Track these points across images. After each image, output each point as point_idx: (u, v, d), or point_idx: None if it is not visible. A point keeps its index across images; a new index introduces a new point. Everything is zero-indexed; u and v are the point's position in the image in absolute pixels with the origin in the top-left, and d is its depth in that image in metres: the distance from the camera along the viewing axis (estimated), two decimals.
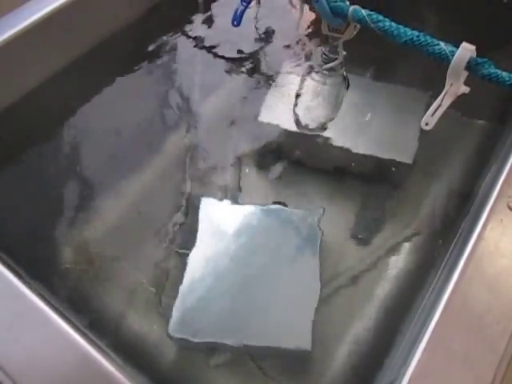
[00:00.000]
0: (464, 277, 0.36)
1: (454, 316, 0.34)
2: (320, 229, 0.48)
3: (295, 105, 0.59)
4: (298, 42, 0.66)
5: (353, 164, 0.54)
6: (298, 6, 0.58)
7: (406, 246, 0.48)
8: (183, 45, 0.66)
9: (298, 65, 0.62)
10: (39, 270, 0.44)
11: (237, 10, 0.61)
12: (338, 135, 0.55)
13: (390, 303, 0.43)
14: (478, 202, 0.44)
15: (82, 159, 0.56)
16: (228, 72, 0.63)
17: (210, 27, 0.68)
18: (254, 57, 0.65)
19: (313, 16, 0.65)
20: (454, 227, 0.44)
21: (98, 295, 0.45)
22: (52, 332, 0.35)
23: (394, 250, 0.48)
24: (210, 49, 0.66)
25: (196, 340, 0.41)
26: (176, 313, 0.42)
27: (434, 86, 0.46)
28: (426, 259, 0.45)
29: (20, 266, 0.41)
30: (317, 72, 0.61)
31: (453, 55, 0.43)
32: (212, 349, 0.43)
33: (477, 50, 0.43)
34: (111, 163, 0.56)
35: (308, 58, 0.63)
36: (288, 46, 0.66)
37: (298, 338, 0.41)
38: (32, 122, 0.57)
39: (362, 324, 0.43)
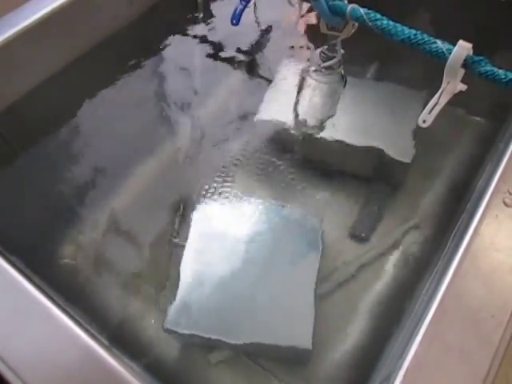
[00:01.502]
0: (460, 271, 0.36)
1: (450, 310, 0.35)
2: (320, 228, 0.48)
3: (293, 103, 0.59)
4: (296, 41, 0.66)
5: (351, 162, 0.55)
6: (297, 5, 0.58)
7: (404, 242, 0.48)
8: (183, 44, 0.67)
9: (297, 63, 0.62)
10: (41, 265, 0.44)
11: (236, 8, 0.61)
12: (336, 133, 0.55)
13: (388, 299, 0.44)
14: (474, 198, 0.44)
15: (82, 158, 0.56)
16: (227, 71, 0.64)
17: (209, 26, 0.69)
18: (252, 55, 0.65)
19: (311, 14, 0.65)
20: (450, 223, 0.45)
21: (98, 290, 0.45)
22: (54, 327, 0.35)
23: (391, 246, 0.48)
24: (209, 48, 0.66)
25: (191, 333, 0.41)
26: (173, 308, 0.42)
27: (432, 83, 0.46)
28: (423, 255, 0.46)
29: (22, 261, 0.41)
30: (315, 70, 0.61)
31: (450, 53, 0.44)
32: (211, 345, 0.43)
33: (474, 48, 0.43)
34: (110, 162, 0.56)
35: (306, 56, 0.64)
36: (286, 45, 0.66)
37: (298, 336, 0.41)
38: (32, 121, 0.58)
39: (360, 319, 0.43)
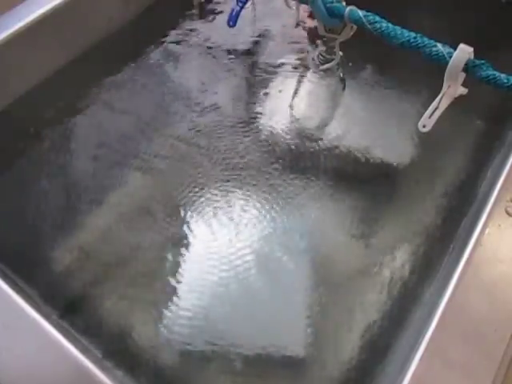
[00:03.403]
0: (461, 283, 0.35)
1: (451, 324, 0.34)
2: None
3: (291, 106, 0.59)
4: (294, 43, 0.65)
5: (350, 165, 0.54)
6: (294, 7, 0.58)
7: (403, 251, 0.47)
8: (179, 45, 0.66)
9: (295, 66, 0.62)
10: (32, 276, 0.43)
11: (232, 10, 0.60)
12: (335, 136, 0.54)
13: (386, 309, 0.43)
14: (475, 207, 0.43)
15: (77, 162, 0.55)
16: (224, 73, 0.63)
17: (205, 28, 0.68)
18: (250, 58, 0.64)
19: (309, 16, 0.64)
20: (451, 232, 0.44)
21: (91, 301, 0.44)
22: (45, 341, 0.35)
23: (390, 255, 0.47)
24: (205, 50, 0.65)
25: (190, 341, 0.41)
26: (170, 316, 0.42)
27: (433, 87, 0.45)
28: (423, 265, 0.45)
29: (10, 271, 0.40)
30: (313, 73, 0.60)
31: (450, 57, 0.43)
32: (207, 352, 0.42)
33: (475, 50, 0.42)
34: (107, 166, 0.55)
35: (304, 58, 0.63)
36: (284, 47, 0.65)
37: (292, 340, 0.41)
38: (26, 124, 0.57)
39: (356, 330, 0.42)
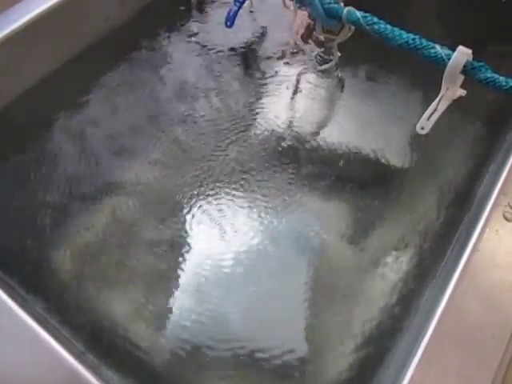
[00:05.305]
0: (458, 289, 0.35)
1: (448, 330, 0.34)
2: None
3: (289, 107, 0.58)
4: (291, 44, 0.65)
5: (348, 167, 0.54)
6: (292, 8, 0.57)
7: (400, 256, 0.47)
8: (176, 45, 0.66)
9: (292, 66, 0.62)
10: (27, 279, 0.43)
11: (230, 10, 0.60)
12: (333, 137, 0.54)
13: (383, 315, 0.42)
14: (473, 211, 0.43)
15: (73, 163, 0.55)
16: (221, 73, 0.63)
17: (203, 27, 0.68)
18: (247, 58, 0.64)
19: (307, 17, 0.64)
20: (448, 237, 0.44)
21: (88, 305, 0.44)
22: (39, 347, 0.34)
23: (387, 259, 0.47)
24: (202, 50, 0.65)
25: (188, 344, 0.41)
26: (168, 319, 0.42)
27: (431, 88, 0.45)
28: (420, 270, 0.44)
29: (6, 274, 0.40)
30: (311, 74, 0.60)
31: (449, 59, 0.43)
32: (204, 354, 0.42)
33: (474, 50, 0.42)
34: (104, 167, 0.55)
35: (302, 59, 0.63)
36: (282, 48, 0.65)
37: (286, 344, 0.41)
38: (21, 126, 0.57)
39: (353, 336, 0.42)
